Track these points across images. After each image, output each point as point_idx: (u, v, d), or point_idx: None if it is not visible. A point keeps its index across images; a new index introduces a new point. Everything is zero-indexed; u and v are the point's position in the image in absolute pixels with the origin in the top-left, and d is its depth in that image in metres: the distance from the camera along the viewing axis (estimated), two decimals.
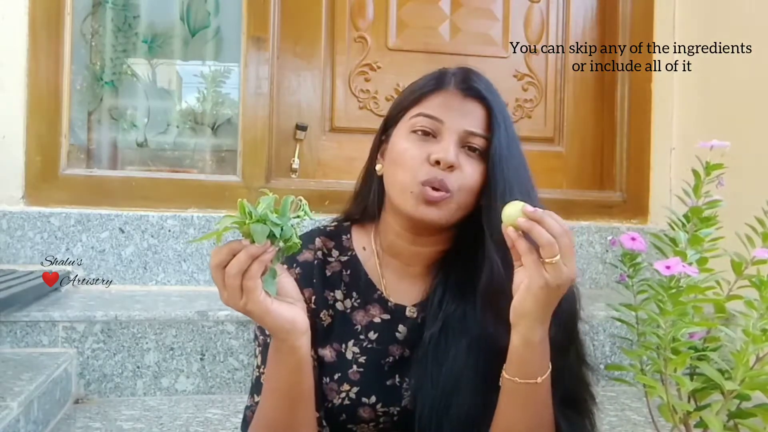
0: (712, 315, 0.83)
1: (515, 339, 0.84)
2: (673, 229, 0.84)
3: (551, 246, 0.78)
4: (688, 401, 0.82)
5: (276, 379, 0.88)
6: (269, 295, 0.80)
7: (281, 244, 0.78)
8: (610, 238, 0.90)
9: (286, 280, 0.84)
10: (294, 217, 0.79)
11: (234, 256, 0.77)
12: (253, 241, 0.76)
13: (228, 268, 0.77)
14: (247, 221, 0.76)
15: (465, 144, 0.93)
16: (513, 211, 0.81)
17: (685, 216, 0.84)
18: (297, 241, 0.79)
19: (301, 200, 0.80)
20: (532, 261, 0.80)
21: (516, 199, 0.83)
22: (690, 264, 0.76)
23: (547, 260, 0.79)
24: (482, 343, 0.92)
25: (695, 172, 0.84)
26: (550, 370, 0.87)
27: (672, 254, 0.81)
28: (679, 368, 0.77)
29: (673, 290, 0.75)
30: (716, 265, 0.84)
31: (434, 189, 0.91)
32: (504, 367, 0.87)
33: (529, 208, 0.80)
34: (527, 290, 0.81)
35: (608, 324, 1.88)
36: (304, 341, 0.85)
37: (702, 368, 0.77)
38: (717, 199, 0.83)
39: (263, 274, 0.79)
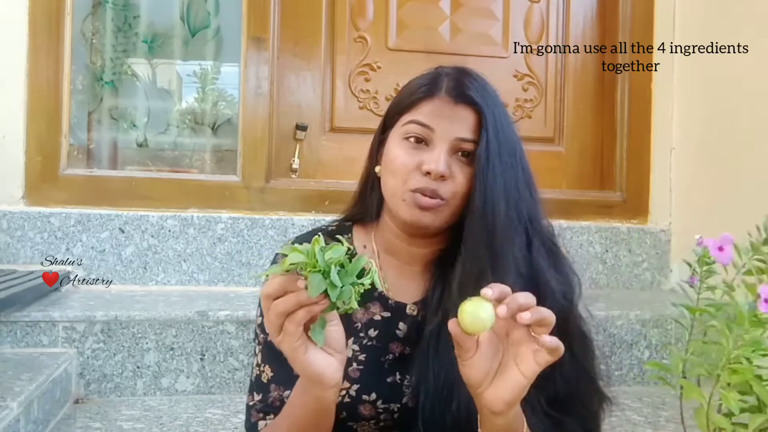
0: None
1: (500, 421, 0.79)
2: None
3: (550, 316, 0.73)
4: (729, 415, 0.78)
5: (295, 412, 0.86)
6: (315, 344, 0.76)
7: (336, 303, 0.73)
8: (698, 237, 0.85)
9: (333, 329, 0.78)
10: (358, 283, 0.73)
11: (286, 293, 0.73)
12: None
13: (275, 304, 0.74)
14: (308, 268, 0.71)
15: (458, 150, 0.94)
16: (476, 314, 0.71)
17: None
18: (355, 306, 0.73)
19: (371, 264, 0.75)
20: (531, 349, 0.74)
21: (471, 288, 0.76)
22: None
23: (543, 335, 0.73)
24: None
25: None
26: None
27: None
28: (733, 383, 0.74)
29: (756, 320, 0.71)
30: None
31: (427, 196, 0.92)
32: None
33: (491, 293, 0.73)
34: (524, 378, 0.75)
35: (608, 324, 1.88)
36: (331, 394, 0.81)
37: (756, 389, 0.74)
38: None
39: (312, 321, 0.75)
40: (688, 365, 0.81)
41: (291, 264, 0.71)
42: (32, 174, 2.09)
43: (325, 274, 0.71)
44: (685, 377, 0.81)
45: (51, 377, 1.43)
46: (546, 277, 0.93)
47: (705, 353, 0.77)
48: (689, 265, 0.87)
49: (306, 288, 0.71)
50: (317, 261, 0.71)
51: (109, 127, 2.42)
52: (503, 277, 0.86)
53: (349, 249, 0.73)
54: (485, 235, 0.91)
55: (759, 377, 0.76)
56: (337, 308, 0.74)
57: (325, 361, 0.78)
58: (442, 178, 0.92)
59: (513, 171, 0.94)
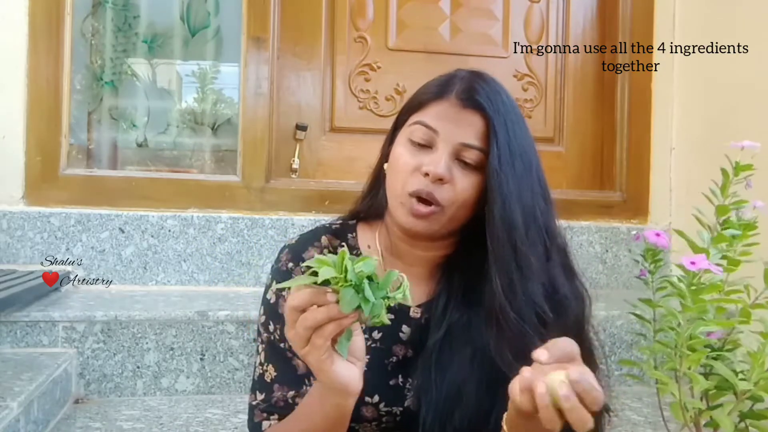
0: (735, 316, 0.82)
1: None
2: (702, 226, 0.82)
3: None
4: (701, 401, 0.80)
5: (313, 419, 0.85)
6: (340, 355, 0.75)
7: (366, 319, 0.72)
8: (634, 233, 0.88)
9: (356, 338, 0.78)
10: (389, 296, 0.72)
11: (313, 305, 0.72)
12: (338, 300, 0.70)
13: (303, 318, 0.73)
14: (340, 283, 0.70)
15: (460, 156, 0.92)
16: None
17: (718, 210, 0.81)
18: (386, 321, 0.73)
19: (403, 278, 0.74)
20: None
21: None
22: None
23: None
24: (487, 354, 0.91)
25: (724, 172, 0.82)
26: None
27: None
28: (693, 366, 0.76)
29: (695, 287, 0.74)
30: (752, 271, 0.82)
31: (423, 201, 0.91)
32: (504, 418, 0.82)
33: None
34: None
35: (608, 324, 1.87)
36: (352, 401, 0.81)
37: (717, 368, 0.76)
38: (743, 200, 0.81)
39: (339, 334, 0.74)
40: (661, 359, 0.82)
41: (324, 279, 0.70)
42: (32, 174, 2.09)
43: (357, 288, 0.70)
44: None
45: (51, 377, 1.43)
46: (563, 291, 0.94)
47: (668, 343, 0.78)
48: (636, 261, 0.89)
49: (337, 302, 0.70)
50: (347, 276, 0.70)
51: (109, 127, 2.41)
52: (528, 285, 0.86)
53: (378, 261, 0.72)
54: (509, 245, 0.89)
55: (712, 348, 0.78)
56: (365, 321, 0.73)
57: (349, 371, 0.78)
58: (440, 181, 0.91)
59: (528, 181, 0.92)
